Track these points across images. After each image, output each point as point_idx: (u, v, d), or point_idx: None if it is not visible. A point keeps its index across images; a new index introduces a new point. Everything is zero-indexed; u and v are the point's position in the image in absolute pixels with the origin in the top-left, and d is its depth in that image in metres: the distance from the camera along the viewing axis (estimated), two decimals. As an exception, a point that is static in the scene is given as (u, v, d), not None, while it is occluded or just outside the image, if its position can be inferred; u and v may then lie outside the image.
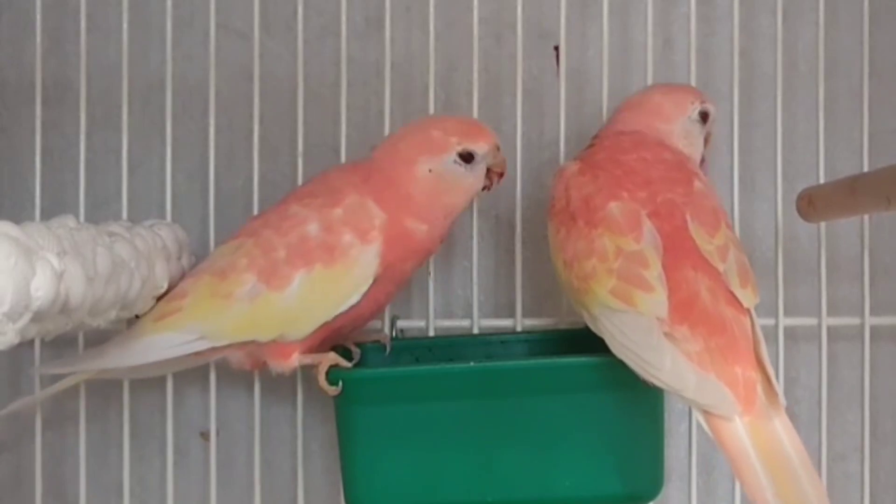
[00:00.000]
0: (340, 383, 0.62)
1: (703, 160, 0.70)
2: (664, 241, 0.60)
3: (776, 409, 0.56)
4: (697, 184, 0.63)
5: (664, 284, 0.58)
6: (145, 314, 0.65)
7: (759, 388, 0.56)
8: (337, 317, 0.63)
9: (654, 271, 0.58)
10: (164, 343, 0.63)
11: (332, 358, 0.63)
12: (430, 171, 0.65)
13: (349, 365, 0.64)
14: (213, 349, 0.64)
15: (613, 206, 0.61)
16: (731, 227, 0.63)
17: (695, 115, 0.68)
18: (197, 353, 0.64)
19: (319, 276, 0.62)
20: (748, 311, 0.59)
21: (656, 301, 0.57)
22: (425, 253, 0.67)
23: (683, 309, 0.57)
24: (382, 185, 0.64)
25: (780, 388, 0.57)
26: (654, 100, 0.69)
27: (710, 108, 0.69)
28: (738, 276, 0.59)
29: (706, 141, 0.70)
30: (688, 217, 0.61)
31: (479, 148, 0.65)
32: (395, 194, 0.64)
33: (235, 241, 0.65)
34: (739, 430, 0.55)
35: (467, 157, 0.65)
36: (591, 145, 0.68)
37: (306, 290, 0.62)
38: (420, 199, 0.64)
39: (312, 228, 0.63)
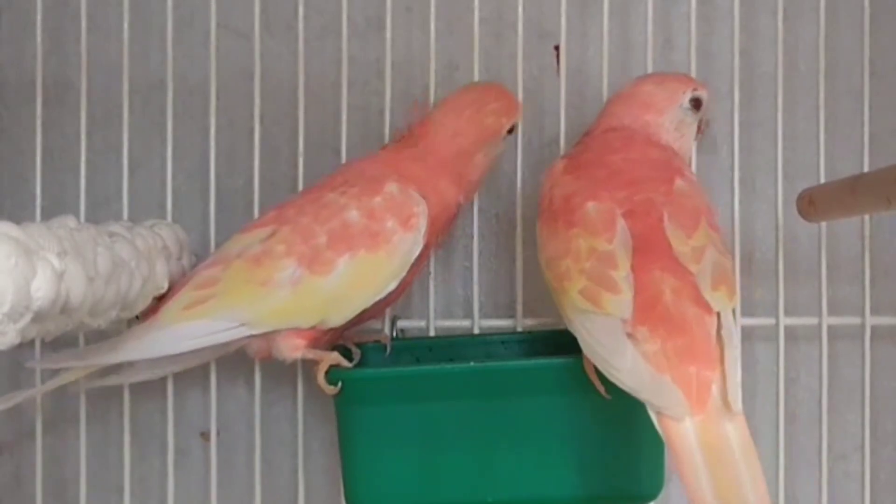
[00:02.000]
0: (340, 383, 0.62)
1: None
2: (635, 240, 0.59)
3: (732, 413, 0.55)
4: (679, 182, 0.63)
5: (631, 285, 0.58)
6: (165, 305, 0.64)
7: (715, 390, 0.56)
8: (374, 304, 0.64)
9: (621, 272, 0.58)
10: (197, 331, 0.62)
11: (334, 357, 0.63)
12: (485, 155, 0.69)
13: (350, 365, 0.64)
14: (247, 337, 0.63)
15: (590, 207, 0.61)
16: (715, 228, 0.62)
17: (686, 104, 0.68)
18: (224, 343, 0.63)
19: (363, 262, 0.62)
20: (717, 313, 0.58)
21: (621, 302, 0.57)
22: (453, 222, 0.70)
23: (646, 309, 0.57)
24: (429, 173, 0.66)
25: (736, 393, 0.56)
26: (645, 90, 0.69)
27: (703, 94, 0.69)
28: (711, 279, 0.59)
29: (699, 128, 0.70)
30: (665, 217, 0.60)
31: (517, 119, 0.71)
32: (445, 180, 0.67)
33: (261, 230, 0.65)
34: (687, 429, 0.55)
35: (511, 130, 0.71)
36: (581, 143, 0.68)
37: (351, 275, 0.62)
38: (473, 178, 0.69)
39: (353, 215, 0.63)
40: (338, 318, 0.63)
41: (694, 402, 0.55)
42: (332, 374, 0.62)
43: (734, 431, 0.55)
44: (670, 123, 0.68)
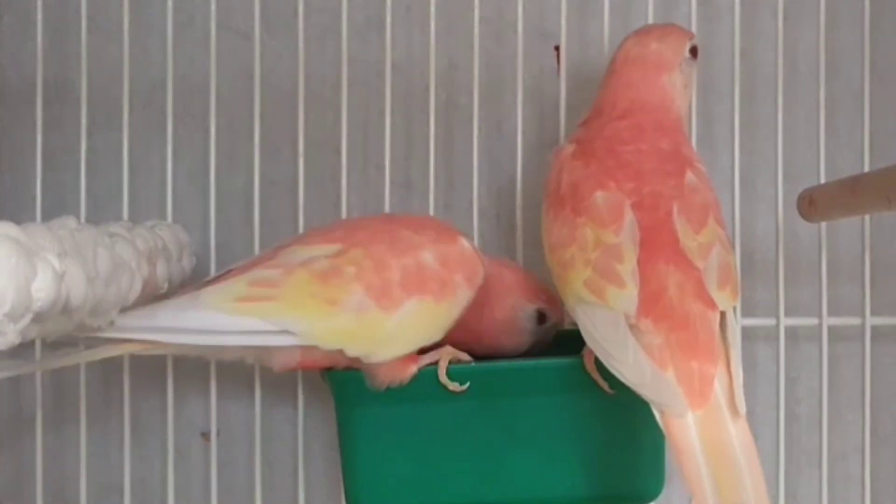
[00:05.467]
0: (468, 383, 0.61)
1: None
2: (643, 233, 0.59)
3: (734, 411, 0.55)
4: (690, 176, 0.62)
5: (636, 280, 0.57)
6: (208, 287, 0.61)
7: (718, 386, 0.56)
8: None
9: (628, 266, 0.58)
10: (246, 326, 0.60)
11: (450, 352, 0.62)
12: None
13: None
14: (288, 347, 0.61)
15: (599, 196, 0.60)
16: (722, 224, 0.62)
17: (687, 54, 0.68)
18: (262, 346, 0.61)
19: (427, 308, 0.61)
20: (722, 311, 0.58)
21: (626, 297, 0.57)
22: None
23: (650, 302, 0.57)
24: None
25: (741, 396, 0.56)
26: (652, 49, 0.67)
27: (696, 41, 0.68)
28: (718, 277, 0.58)
29: None
30: (674, 210, 0.60)
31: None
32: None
33: (325, 246, 0.62)
34: (688, 424, 0.55)
35: None
36: (590, 125, 0.67)
37: (412, 318, 0.60)
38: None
39: (428, 258, 0.61)
40: (383, 355, 0.61)
41: (696, 396, 0.55)
42: (330, 373, 0.63)
43: (736, 429, 0.55)
44: (679, 81, 0.67)
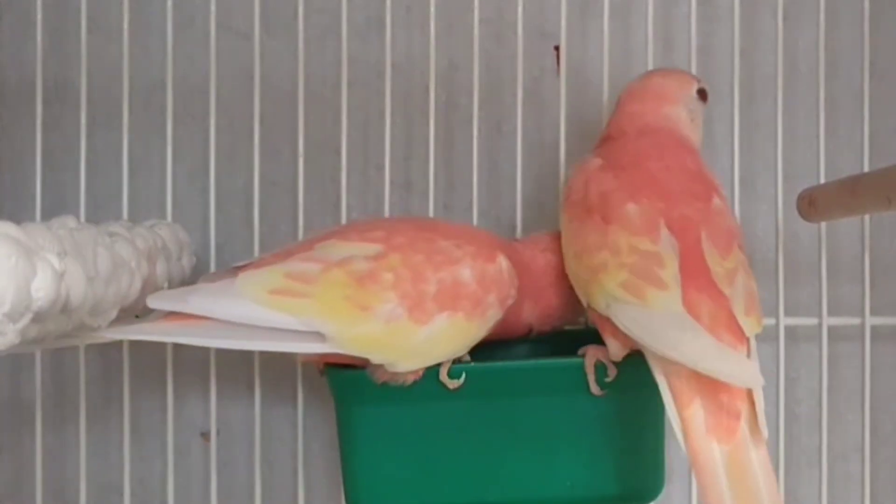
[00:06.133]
0: (463, 376, 0.61)
1: None
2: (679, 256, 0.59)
3: (757, 441, 0.55)
4: (717, 200, 0.62)
5: (679, 284, 0.57)
6: (244, 273, 0.60)
7: (743, 419, 0.55)
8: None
9: (669, 271, 0.57)
10: (277, 322, 0.58)
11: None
12: None
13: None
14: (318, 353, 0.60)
15: (631, 208, 0.60)
16: (743, 249, 0.62)
17: (695, 94, 0.68)
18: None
19: (457, 325, 0.60)
20: (747, 339, 0.58)
21: (670, 298, 0.56)
22: None
23: None
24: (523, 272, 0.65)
25: (762, 418, 0.56)
26: (655, 82, 0.68)
27: (706, 87, 0.69)
28: (745, 304, 0.58)
29: None
30: (703, 235, 0.60)
31: None
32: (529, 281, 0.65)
33: (365, 245, 0.61)
34: (715, 457, 0.54)
35: None
36: (608, 145, 0.67)
37: (441, 332, 0.60)
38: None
39: (466, 274, 0.61)
40: (408, 365, 0.60)
41: (723, 431, 0.55)
42: (333, 372, 0.63)
43: (758, 460, 0.55)
44: (686, 114, 0.67)
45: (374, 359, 0.59)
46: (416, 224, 0.65)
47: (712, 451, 0.54)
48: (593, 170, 0.64)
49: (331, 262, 0.60)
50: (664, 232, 0.59)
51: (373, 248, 0.60)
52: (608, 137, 0.68)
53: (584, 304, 0.62)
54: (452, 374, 0.61)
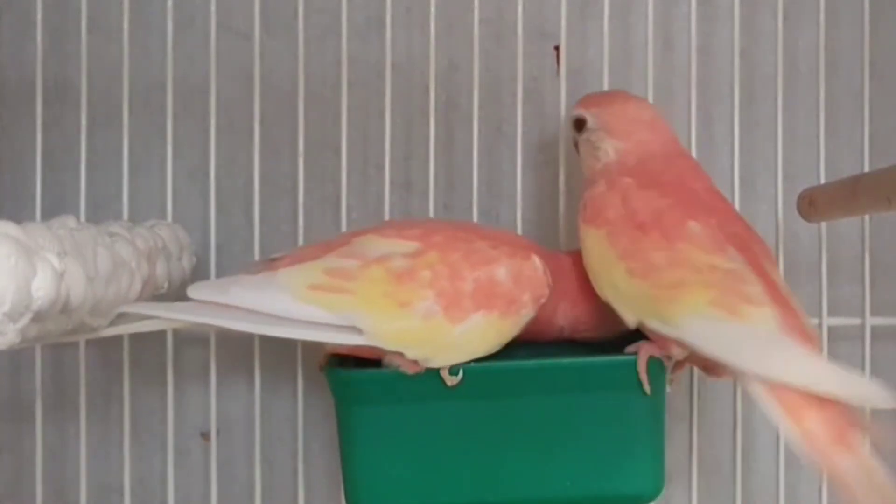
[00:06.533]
0: (461, 374, 0.61)
1: None
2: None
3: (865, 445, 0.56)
4: (746, 220, 0.63)
5: (769, 301, 0.57)
6: (285, 266, 0.61)
7: (856, 424, 0.56)
8: None
9: (756, 287, 0.58)
10: (315, 316, 0.59)
11: None
12: None
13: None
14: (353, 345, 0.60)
15: (693, 225, 0.60)
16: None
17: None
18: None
19: (492, 324, 0.61)
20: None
21: (766, 315, 0.57)
22: None
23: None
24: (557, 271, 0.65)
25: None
26: (652, 109, 0.68)
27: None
28: (807, 320, 0.59)
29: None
30: (756, 251, 0.61)
31: None
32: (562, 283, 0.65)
33: (403, 242, 0.62)
34: (848, 465, 0.54)
35: None
36: (625, 167, 0.65)
37: (476, 331, 0.60)
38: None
39: (502, 273, 0.61)
40: (441, 361, 0.61)
41: (847, 439, 0.55)
42: (331, 374, 0.63)
43: (878, 461, 0.54)
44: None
45: (409, 354, 0.60)
46: (452, 224, 0.66)
47: (843, 460, 0.54)
48: (629, 188, 0.63)
49: (369, 258, 0.61)
50: (731, 249, 0.60)
51: (410, 245, 0.61)
52: (623, 163, 0.66)
53: (632, 321, 0.61)
54: (452, 374, 0.61)
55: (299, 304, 0.59)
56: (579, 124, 0.68)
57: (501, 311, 0.61)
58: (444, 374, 0.61)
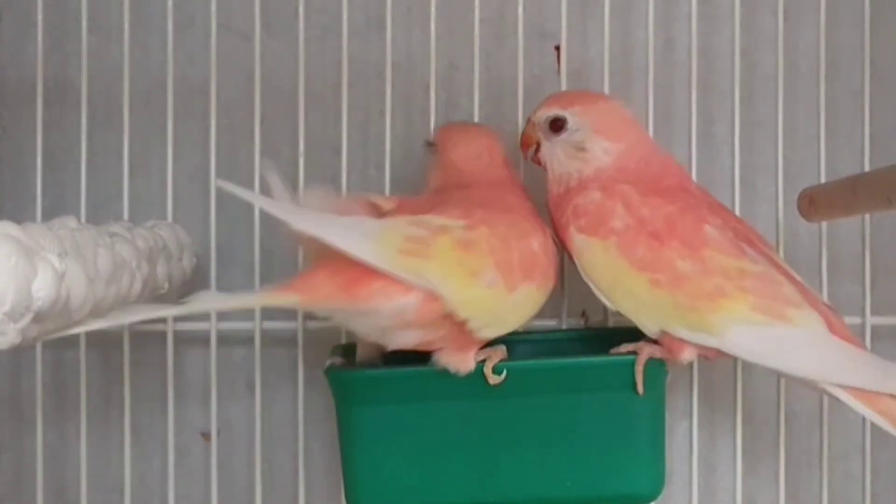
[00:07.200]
0: (504, 373, 0.61)
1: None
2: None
3: None
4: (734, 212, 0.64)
5: (807, 301, 0.59)
6: (374, 220, 0.60)
7: None
8: None
9: (789, 288, 0.59)
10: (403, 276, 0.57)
11: (503, 352, 0.62)
12: None
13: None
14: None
15: (709, 229, 0.60)
16: None
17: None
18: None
19: (531, 294, 0.61)
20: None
21: (810, 316, 0.58)
22: None
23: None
24: None
25: None
26: (626, 112, 0.67)
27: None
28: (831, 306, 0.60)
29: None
30: (766, 248, 0.61)
31: None
32: None
33: (450, 216, 0.60)
34: None
35: None
36: (619, 172, 0.64)
37: (522, 300, 0.61)
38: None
39: (536, 246, 0.62)
40: (494, 331, 0.61)
41: None
42: (331, 374, 0.62)
43: None
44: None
45: (473, 322, 0.59)
46: (470, 201, 0.64)
47: None
48: (628, 195, 0.63)
49: (432, 226, 0.59)
50: (749, 249, 0.60)
51: (458, 221, 0.60)
52: (620, 167, 0.65)
53: (653, 331, 0.61)
54: (496, 371, 0.61)
55: (392, 268, 0.57)
56: (557, 125, 0.66)
57: (538, 282, 0.62)
58: (488, 372, 0.61)
